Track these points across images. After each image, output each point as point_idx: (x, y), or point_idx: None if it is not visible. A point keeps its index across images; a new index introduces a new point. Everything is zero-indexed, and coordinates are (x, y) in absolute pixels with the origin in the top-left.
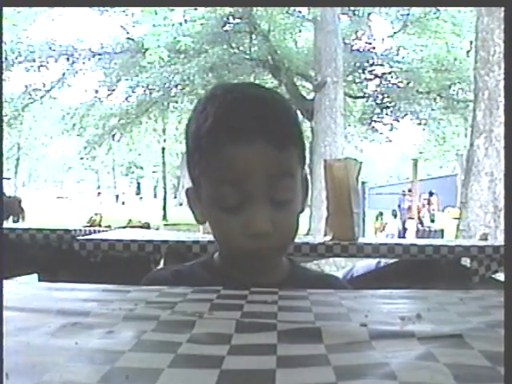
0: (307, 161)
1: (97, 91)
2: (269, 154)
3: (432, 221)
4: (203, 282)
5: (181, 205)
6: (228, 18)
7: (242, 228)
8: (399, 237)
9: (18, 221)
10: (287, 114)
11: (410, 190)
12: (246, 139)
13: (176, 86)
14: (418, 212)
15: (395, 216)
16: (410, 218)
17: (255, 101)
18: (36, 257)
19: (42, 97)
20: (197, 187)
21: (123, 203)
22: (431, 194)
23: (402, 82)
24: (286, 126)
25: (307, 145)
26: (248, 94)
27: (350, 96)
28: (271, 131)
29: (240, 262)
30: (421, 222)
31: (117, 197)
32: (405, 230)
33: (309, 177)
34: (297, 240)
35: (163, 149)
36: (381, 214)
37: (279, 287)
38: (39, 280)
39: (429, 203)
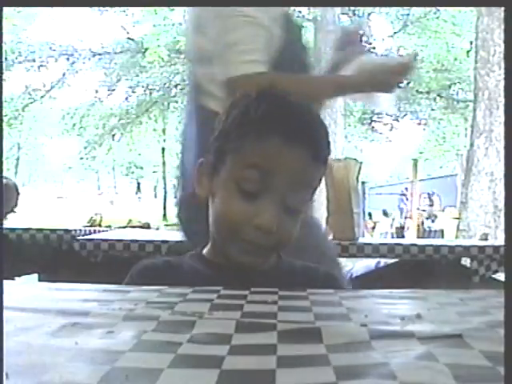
0: None
1: (97, 91)
2: (304, 162)
3: (432, 221)
4: (193, 273)
5: None
6: None
7: (250, 216)
8: (393, 236)
9: (12, 210)
10: (328, 135)
11: (406, 189)
12: (289, 139)
13: (176, 86)
14: (418, 212)
15: (386, 215)
16: (408, 218)
17: (308, 111)
18: (36, 257)
19: (42, 97)
20: (216, 162)
21: (111, 202)
22: (431, 193)
23: (401, 82)
24: (325, 145)
25: None
26: (302, 102)
27: None
28: (316, 143)
29: (230, 252)
30: (421, 222)
31: (112, 202)
32: (402, 228)
33: None
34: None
35: (163, 149)
36: (369, 214)
37: (267, 276)
38: (39, 280)
39: (431, 204)
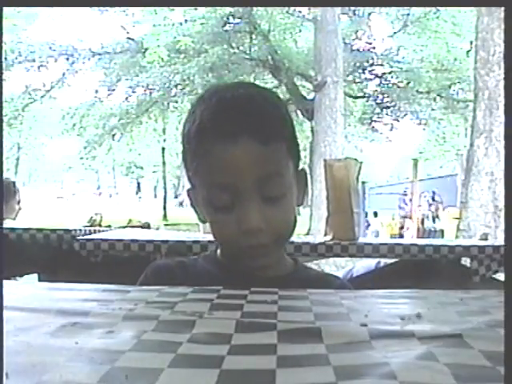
0: (307, 160)
1: (97, 91)
2: (254, 151)
3: (433, 221)
4: (207, 274)
5: (181, 205)
6: (228, 18)
7: (236, 226)
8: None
9: (15, 217)
10: (273, 109)
11: (405, 190)
12: (230, 138)
13: (176, 86)
14: (420, 212)
15: (376, 215)
16: (408, 218)
17: (240, 99)
18: (36, 257)
19: (42, 97)
20: (193, 188)
21: (110, 196)
22: (434, 193)
23: (402, 81)
24: (271, 121)
25: (307, 145)
26: (234, 93)
27: (350, 96)
28: (254, 127)
29: (240, 259)
30: (421, 222)
31: (110, 195)
32: (402, 228)
33: (309, 176)
34: (297, 240)
35: (163, 149)
36: (366, 213)
37: (281, 283)
38: (39, 280)
39: (437, 208)
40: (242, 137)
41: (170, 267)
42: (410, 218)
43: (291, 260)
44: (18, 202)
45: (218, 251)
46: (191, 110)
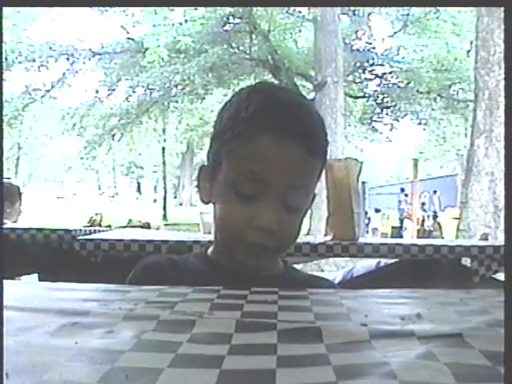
0: None
1: (97, 91)
2: (300, 158)
3: (433, 221)
4: (196, 272)
5: (181, 205)
6: (228, 18)
7: (249, 218)
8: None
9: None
10: (324, 127)
11: (402, 190)
12: (284, 137)
13: (176, 86)
14: (422, 210)
15: (378, 211)
16: (407, 218)
17: (300, 104)
18: (36, 257)
19: (42, 97)
20: (214, 166)
21: (112, 196)
22: (435, 192)
23: (402, 81)
24: (322, 138)
25: None
26: (294, 96)
27: (350, 96)
28: (311, 138)
29: (235, 255)
30: (421, 222)
31: (112, 196)
32: (400, 228)
33: None
34: (297, 240)
35: (163, 149)
36: (366, 213)
37: (271, 282)
38: (39, 280)
39: (436, 207)
40: (294, 140)
41: (160, 264)
42: (410, 218)
43: (281, 261)
44: (20, 205)
45: (209, 250)
46: (244, 95)
